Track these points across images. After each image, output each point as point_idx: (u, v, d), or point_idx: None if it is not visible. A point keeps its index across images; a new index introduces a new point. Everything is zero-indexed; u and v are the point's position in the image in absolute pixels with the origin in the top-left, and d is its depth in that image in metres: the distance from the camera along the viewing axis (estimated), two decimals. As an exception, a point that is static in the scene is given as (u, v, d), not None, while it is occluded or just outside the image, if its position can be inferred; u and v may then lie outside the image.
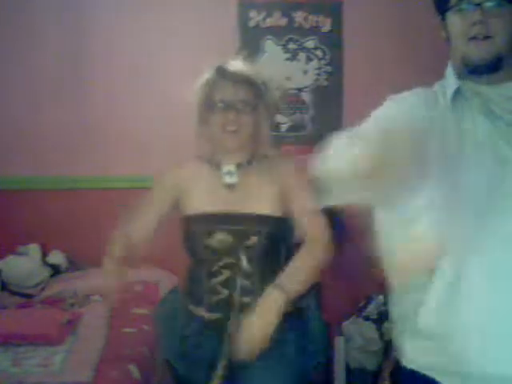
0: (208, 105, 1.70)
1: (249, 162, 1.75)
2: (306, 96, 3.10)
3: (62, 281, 2.90)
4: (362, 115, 3.05)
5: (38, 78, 3.04)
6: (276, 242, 1.72)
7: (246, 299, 1.66)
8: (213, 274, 1.70)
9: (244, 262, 1.68)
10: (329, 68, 3.09)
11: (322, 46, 3.08)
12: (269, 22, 3.05)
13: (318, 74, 3.10)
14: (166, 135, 2.95)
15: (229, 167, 1.74)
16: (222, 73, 1.72)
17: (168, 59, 2.99)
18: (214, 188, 1.74)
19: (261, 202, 1.71)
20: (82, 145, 3.06)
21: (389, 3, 3.07)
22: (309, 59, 3.09)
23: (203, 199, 1.74)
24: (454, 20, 1.36)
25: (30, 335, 2.26)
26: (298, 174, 1.70)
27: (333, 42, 3.07)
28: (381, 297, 3.05)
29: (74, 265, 3.06)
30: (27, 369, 2.06)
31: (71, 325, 2.40)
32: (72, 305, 2.66)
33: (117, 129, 3.03)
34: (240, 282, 1.67)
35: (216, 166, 1.76)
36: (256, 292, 1.65)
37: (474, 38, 1.31)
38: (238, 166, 1.74)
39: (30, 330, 2.30)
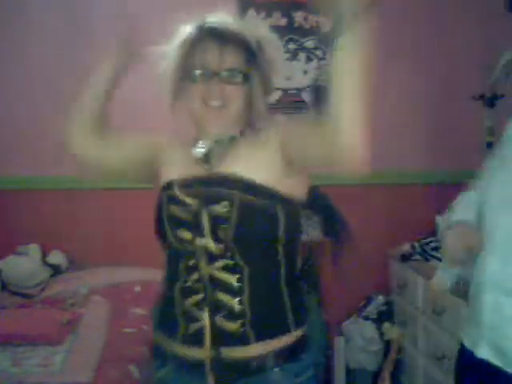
0: (185, 72, 1.32)
1: (232, 138, 1.35)
2: (306, 96, 3.10)
3: (62, 281, 2.90)
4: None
5: (38, 78, 3.04)
6: (266, 226, 1.27)
7: (231, 325, 1.26)
8: (186, 289, 1.30)
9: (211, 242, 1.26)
10: (329, 68, 3.09)
11: (322, 46, 3.08)
12: (269, 22, 3.05)
13: (318, 74, 3.10)
14: (168, 135, 2.95)
15: (202, 143, 1.35)
16: (203, 31, 1.33)
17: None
18: (190, 162, 1.37)
19: (248, 168, 1.30)
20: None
21: (389, 3, 3.07)
22: (309, 59, 3.09)
23: (177, 171, 1.38)
24: None
25: (30, 335, 2.26)
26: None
27: (333, 42, 3.06)
28: (381, 297, 3.05)
29: (74, 265, 3.06)
30: (27, 369, 2.06)
31: (71, 325, 2.40)
32: (72, 305, 2.66)
33: (118, 128, 3.03)
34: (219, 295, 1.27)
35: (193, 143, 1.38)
36: (246, 315, 1.26)
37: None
38: (218, 142, 1.34)
39: (30, 330, 2.30)
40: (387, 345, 2.91)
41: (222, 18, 1.36)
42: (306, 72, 3.10)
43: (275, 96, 3.10)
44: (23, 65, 3.06)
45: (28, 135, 3.06)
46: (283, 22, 3.06)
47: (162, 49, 1.38)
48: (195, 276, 1.27)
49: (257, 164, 1.30)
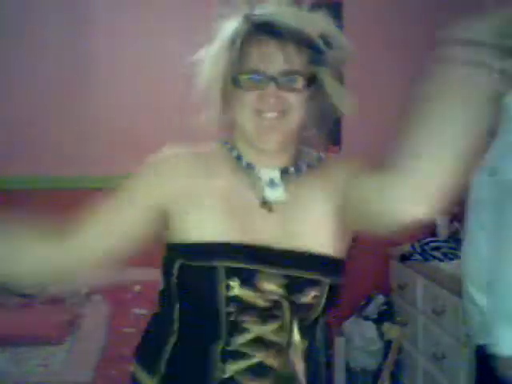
0: (233, 77, 1.05)
1: (297, 168, 1.10)
2: (306, 96, 3.10)
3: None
4: (361, 115, 3.04)
5: (38, 78, 3.04)
6: (334, 298, 1.08)
7: None
8: (233, 354, 1.03)
9: (296, 335, 1.02)
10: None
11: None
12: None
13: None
14: (169, 135, 2.94)
15: (271, 173, 1.08)
16: (255, 25, 1.04)
17: (169, 59, 2.99)
18: (242, 205, 1.07)
19: (319, 233, 1.06)
20: (83, 145, 3.05)
21: (389, 3, 3.08)
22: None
23: (220, 222, 1.05)
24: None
25: (30, 335, 2.26)
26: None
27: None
28: (381, 297, 3.05)
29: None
30: (27, 369, 2.06)
31: (71, 325, 2.40)
32: (72, 305, 2.66)
33: (118, 129, 3.03)
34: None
35: (246, 168, 1.09)
36: None
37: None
38: (283, 172, 1.09)
39: (30, 330, 2.29)
40: (387, 345, 2.91)
41: (275, 8, 1.06)
42: (306, 72, 3.09)
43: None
44: (23, 65, 3.06)
45: (28, 135, 3.06)
46: (283, 22, 3.05)
47: (202, 52, 1.12)
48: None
49: (323, 222, 1.07)
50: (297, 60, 1.03)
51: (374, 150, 3.16)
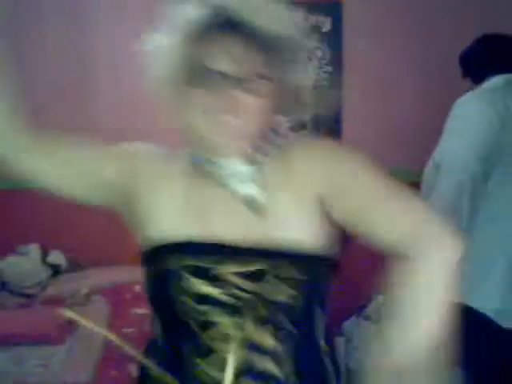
0: (189, 73, 0.97)
1: (262, 152, 1.03)
2: (305, 96, 3.10)
3: (62, 281, 2.90)
4: (361, 115, 3.07)
5: (38, 78, 3.04)
6: (316, 295, 1.02)
7: None
8: (204, 353, 0.98)
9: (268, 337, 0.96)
10: (329, 68, 3.09)
11: (322, 46, 3.07)
12: (269, 21, 3.05)
13: (318, 74, 3.09)
14: (169, 135, 2.94)
15: (236, 166, 1.00)
16: (218, 17, 0.96)
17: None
18: (206, 202, 1.01)
19: (292, 224, 0.99)
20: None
21: (389, 3, 3.08)
22: (309, 59, 3.08)
23: (182, 217, 1.01)
24: None
25: (30, 335, 2.26)
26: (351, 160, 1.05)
27: (333, 42, 3.07)
28: (381, 297, 3.05)
29: (74, 265, 3.05)
30: (27, 369, 2.06)
31: (71, 325, 2.40)
32: (72, 305, 2.66)
33: (118, 129, 3.03)
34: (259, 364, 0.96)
35: (210, 162, 1.02)
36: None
37: None
38: (252, 161, 1.01)
39: (30, 329, 2.30)
40: (387, 345, 2.91)
41: (236, 3, 0.95)
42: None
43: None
44: (23, 65, 3.06)
45: (28, 135, 3.06)
46: (283, 21, 3.05)
47: (157, 37, 1.04)
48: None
49: (299, 211, 0.99)
50: (264, 61, 0.96)
51: (374, 149, 3.16)
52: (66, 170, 1.14)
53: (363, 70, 3.06)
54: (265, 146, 1.03)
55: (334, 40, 3.06)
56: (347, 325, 3.04)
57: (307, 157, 1.02)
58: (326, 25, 3.06)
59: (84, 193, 1.18)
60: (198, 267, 0.96)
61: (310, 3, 3.07)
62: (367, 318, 3.01)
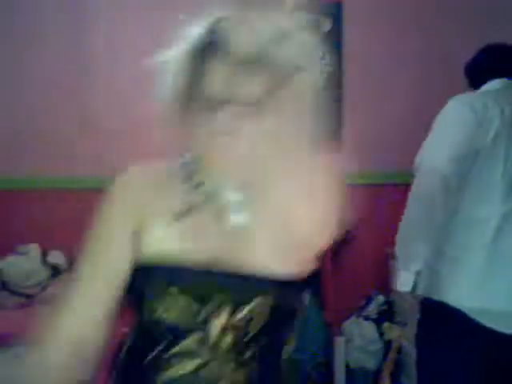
0: (193, 94, 0.97)
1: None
2: (305, 96, 3.10)
3: (62, 281, 2.89)
4: (361, 115, 3.07)
5: (38, 78, 3.04)
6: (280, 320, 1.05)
7: None
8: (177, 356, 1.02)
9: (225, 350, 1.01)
10: (329, 68, 3.09)
11: (322, 46, 3.07)
12: (269, 22, 3.05)
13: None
14: (169, 135, 2.94)
15: (235, 196, 1.00)
16: (222, 44, 0.94)
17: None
18: (201, 222, 1.02)
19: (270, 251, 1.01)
20: (83, 145, 3.06)
21: (389, 3, 3.08)
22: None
23: (170, 235, 1.01)
24: None
25: (30, 335, 2.25)
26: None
27: (333, 42, 3.07)
28: (381, 297, 3.05)
29: (74, 265, 3.05)
30: (27, 369, 2.06)
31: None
32: (72, 305, 2.66)
33: (118, 129, 3.03)
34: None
35: (205, 189, 1.03)
36: None
37: None
38: (247, 193, 1.01)
39: (30, 330, 2.29)
40: (387, 345, 2.91)
41: (247, 18, 0.95)
42: (306, 72, 3.09)
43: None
44: (23, 65, 3.06)
45: (28, 135, 3.06)
46: (283, 21, 3.05)
47: (166, 57, 1.03)
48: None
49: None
50: (268, 84, 0.94)
51: (374, 149, 3.16)
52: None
53: (363, 70, 3.06)
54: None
55: (333, 40, 3.06)
56: (347, 325, 3.04)
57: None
58: (326, 25, 3.05)
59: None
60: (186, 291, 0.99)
61: (310, 3, 3.07)
62: (367, 317, 3.02)
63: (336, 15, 3.04)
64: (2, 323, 2.35)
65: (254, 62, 0.92)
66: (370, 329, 2.96)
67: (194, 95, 0.96)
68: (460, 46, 3.11)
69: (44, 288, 2.85)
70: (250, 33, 0.93)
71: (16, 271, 2.89)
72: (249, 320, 0.98)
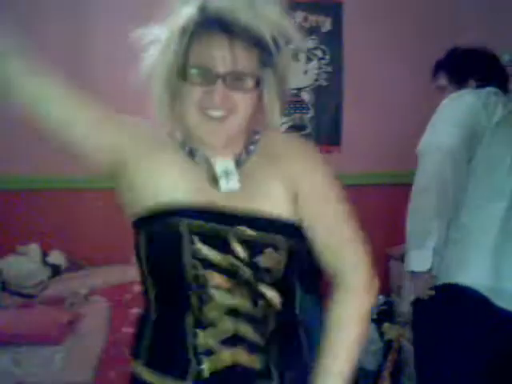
0: (180, 69, 1.03)
1: (248, 152, 1.12)
2: (305, 96, 3.10)
3: (62, 281, 2.90)
4: (361, 115, 3.06)
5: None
6: (296, 266, 1.13)
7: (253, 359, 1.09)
8: (203, 322, 1.07)
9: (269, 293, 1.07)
10: (329, 68, 3.09)
11: (322, 46, 3.08)
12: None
13: (318, 74, 3.10)
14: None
15: (225, 164, 1.09)
16: (208, 16, 1.01)
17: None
18: (198, 181, 1.10)
19: (272, 202, 1.09)
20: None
21: (389, 3, 3.08)
22: (309, 59, 3.09)
23: (177, 184, 1.08)
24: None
25: (30, 335, 2.26)
26: (316, 164, 1.14)
27: (333, 42, 3.07)
28: (381, 297, 3.05)
29: (74, 265, 3.06)
30: (27, 369, 2.06)
31: (71, 325, 2.40)
32: (72, 305, 2.66)
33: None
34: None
35: (199, 157, 1.11)
36: (267, 351, 1.10)
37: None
38: (237, 161, 1.10)
39: (30, 329, 2.30)
40: (387, 345, 2.91)
41: (226, 3, 1.01)
42: (306, 72, 3.10)
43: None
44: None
45: (28, 135, 3.05)
46: (283, 22, 3.06)
47: (153, 33, 1.11)
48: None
49: (276, 194, 1.09)
50: (246, 60, 1.02)
51: (374, 149, 3.17)
52: (66, 110, 1.17)
53: (363, 70, 3.06)
54: (249, 145, 1.13)
55: (334, 40, 3.06)
56: (347, 325, 3.04)
57: (291, 156, 1.13)
58: (326, 25, 3.06)
59: (82, 138, 1.17)
60: (205, 233, 1.04)
61: (310, 3, 3.07)
62: (367, 318, 3.01)
63: (336, 15, 3.05)
64: (2, 323, 2.36)
65: (245, 36, 1.00)
66: (370, 329, 2.96)
67: (184, 70, 1.03)
68: (460, 45, 3.11)
69: (44, 288, 2.86)
70: (239, 9, 1.00)
71: (16, 271, 2.89)
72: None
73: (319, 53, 3.08)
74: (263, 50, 1.02)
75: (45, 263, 2.98)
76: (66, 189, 3.08)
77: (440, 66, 2.13)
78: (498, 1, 3.02)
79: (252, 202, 1.07)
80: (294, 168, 1.11)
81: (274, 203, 1.08)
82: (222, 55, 1.00)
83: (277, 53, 1.03)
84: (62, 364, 2.10)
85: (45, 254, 3.02)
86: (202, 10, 1.01)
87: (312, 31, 3.06)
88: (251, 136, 1.13)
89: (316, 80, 3.10)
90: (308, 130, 3.11)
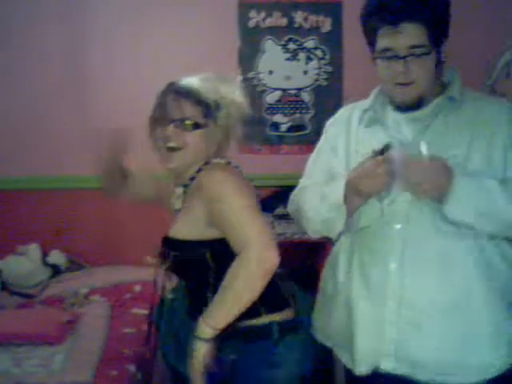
0: (155, 119, 1.60)
1: (192, 180, 1.58)
2: (305, 96, 3.10)
3: (62, 281, 2.90)
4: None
5: (39, 78, 3.04)
6: (188, 264, 1.58)
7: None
8: None
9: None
10: (329, 68, 3.09)
11: (322, 46, 3.08)
12: (269, 22, 3.05)
13: (318, 74, 3.10)
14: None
15: (179, 190, 1.62)
16: (170, 87, 1.61)
17: (169, 60, 2.99)
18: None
19: (181, 225, 1.58)
20: (82, 145, 3.05)
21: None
22: (309, 59, 3.09)
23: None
24: (381, 65, 1.52)
25: (30, 335, 2.26)
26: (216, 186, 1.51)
27: (333, 42, 3.07)
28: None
29: (74, 265, 3.06)
30: (27, 369, 2.06)
31: (71, 325, 2.40)
32: (72, 305, 2.66)
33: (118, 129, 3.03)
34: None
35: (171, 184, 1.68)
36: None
37: (398, 83, 1.47)
38: (186, 187, 1.60)
39: (30, 329, 2.30)
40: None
41: (190, 78, 1.60)
42: (305, 72, 3.10)
43: (275, 96, 3.10)
44: (24, 65, 3.06)
45: (28, 135, 3.06)
46: (283, 22, 3.06)
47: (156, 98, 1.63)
48: None
49: (188, 218, 1.56)
50: (189, 110, 1.53)
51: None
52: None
53: (363, 70, 3.06)
54: (195, 174, 1.57)
55: (334, 40, 3.06)
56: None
57: (207, 185, 1.52)
58: (326, 25, 3.06)
59: None
60: None
61: (310, 3, 3.07)
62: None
63: (336, 15, 3.05)
64: (2, 323, 2.35)
65: (190, 98, 1.55)
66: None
67: (156, 118, 1.61)
68: (460, 45, 3.11)
69: (44, 288, 2.86)
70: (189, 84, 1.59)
71: (16, 271, 2.89)
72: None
73: (319, 53, 3.08)
74: (205, 108, 1.54)
75: (45, 263, 2.98)
76: (66, 189, 3.08)
77: None
78: (498, 1, 3.02)
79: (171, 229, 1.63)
80: (206, 200, 1.51)
81: (179, 226, 1.60)
82: (174, 107, 1.55)
83: (216, 109, 1.54)
84: (61, 364, 2.10)
85: (45, 254, 3.02)
86: (170, 84, 1.62)
87: (312, 31, 3.06)
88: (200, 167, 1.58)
89: (316, 80, 3.10)
90: (308, 130, 3.11)
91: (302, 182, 1.70)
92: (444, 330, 1.43)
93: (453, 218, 1.39)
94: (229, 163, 1.58)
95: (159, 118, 1.58)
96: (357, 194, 1.46)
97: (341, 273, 1.56)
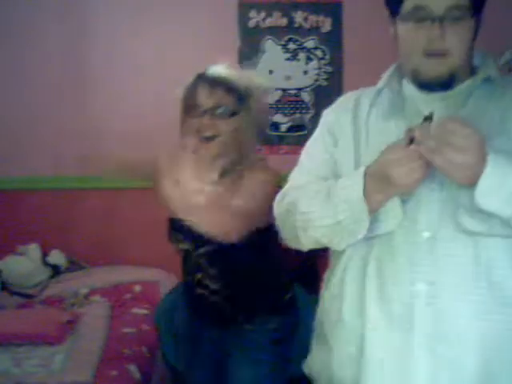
0: (186, 110, 1.62)
1: (231, 170, 1.63)
2: (305, 96, 3.10)
3: (62, 281, 2.90)
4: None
5: (39, 78, 3.04)
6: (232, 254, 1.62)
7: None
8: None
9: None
10: (329, 68, 3.09)
11: (322, 46, 3.07)
12: (269, 22, 3.05)
13: (318, 74, 3.10)
14: (169, 136, 2.94)
15: (212, 175, 1.63)
16: (200, 77, 1.62)
17: (169, 60, 2.99)
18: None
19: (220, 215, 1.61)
20: (82, 145, 3.05)
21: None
22: (309, 59, 3.09)
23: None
24: (408, 29, 1.23)
25: (30, 335, 2.26)
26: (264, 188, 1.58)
27: (333, 42, 3.07)
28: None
29: (74, 265, 3.06)
30: (27, 369, 2.06)
31: (71, 325, 2.40)
32: (72, 305, 2.66)
33: (117, 129, 3.03)
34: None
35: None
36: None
37: (430, 53, 1.18)
38: (222, 173, 1.63)
39: (30, 329, 2.30)
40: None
41: (216, 67, 1.61)
42: (305, 72, 3.10)
43: (275, 96, 3.10)
44: (24, 65, 3.06)
45: (28, 135, 3.06)
46: (283, 22, 3.05)
47: (179, 91, 1.64)
48: None
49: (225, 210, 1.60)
50: (225, 99, 1.57)
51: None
52: None
53: (363, 70, 3.06)
54: (235, 165, 1.62)
55: (334, 40, 3.06)
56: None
57: (255, 180, 1.61)
58: (326, 25, 3.06)
59: None
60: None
61: (310, 3, 3.07)
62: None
63: (336, 15, 3.05)
64: (2, 323, 2.35)
65: (222, 86, 1.57)
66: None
67: (188, 109, 1.61)
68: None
69: (44, 288, 2.86)
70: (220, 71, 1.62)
71: (16, 271, 2.89)
72: None
73: (319, 53, 3.08)
74: (237, 95, 1.57)
75: (45, 263, 2.98)
76: (67, 189, 3.07)
77: None
78: (499, 1, 3.02)
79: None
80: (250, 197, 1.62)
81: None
82: (207, 97, 1.57)
83: (248, 97, 1.58)
84: (61, 364, 2.10)
85: (45, 254, 3.02)
86: (199, 75, 1.62)
87: (312, 31, 3.06)
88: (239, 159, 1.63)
89: (316, 80, 3.09)
90: (308, 130, 3.11)
91: (295, 179, 1.40)
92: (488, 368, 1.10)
93: (483, 196, 1.04)
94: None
95: (191, 108, 1.58)
96: (384, 187, 1.11)
97: (348, 294, 1.22)
